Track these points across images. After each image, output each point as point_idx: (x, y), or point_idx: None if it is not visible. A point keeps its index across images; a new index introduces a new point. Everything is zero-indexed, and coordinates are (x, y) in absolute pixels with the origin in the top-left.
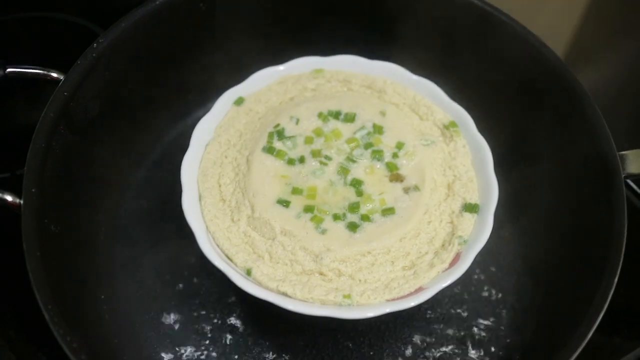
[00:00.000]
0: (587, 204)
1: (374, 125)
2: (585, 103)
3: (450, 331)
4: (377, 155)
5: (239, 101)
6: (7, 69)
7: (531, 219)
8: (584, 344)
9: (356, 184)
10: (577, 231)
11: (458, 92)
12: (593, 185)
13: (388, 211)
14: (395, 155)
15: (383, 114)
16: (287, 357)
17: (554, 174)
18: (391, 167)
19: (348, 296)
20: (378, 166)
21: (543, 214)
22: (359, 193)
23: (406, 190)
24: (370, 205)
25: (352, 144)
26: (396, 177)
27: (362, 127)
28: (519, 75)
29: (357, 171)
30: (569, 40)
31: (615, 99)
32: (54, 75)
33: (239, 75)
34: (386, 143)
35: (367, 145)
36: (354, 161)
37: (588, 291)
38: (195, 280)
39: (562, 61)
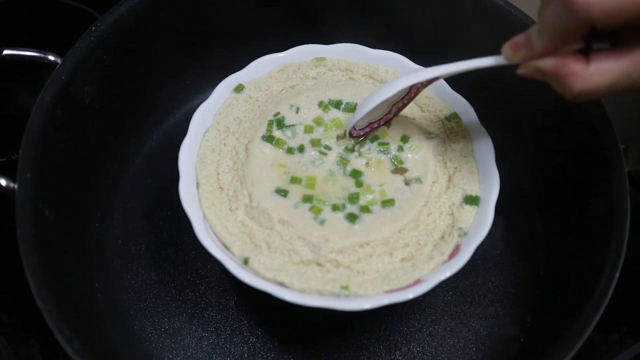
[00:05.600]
0: (589, 197)
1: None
2: None
3: (445, 324)
4: (384, 148)
5: (239, 88)
6: (3, 51)
7: (530, 210)
8: (582, 341)
9: (356, 174)
10: (577, 224)
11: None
12: (595, 178)
13: (388, 202)
14: (400, 149)
15: None
16: (283, 347)
17: (554, 165)
18: (397, 161)
19: (346, 287)
20: (382, 159)
21: (543, 205)
22: (359, 184)
23: (407, 182)
24: (370, 196)
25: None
26: (398, 169)
27: None
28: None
29: (357, 162)
30: None
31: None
32: (51, 58)
33: (240, 62)
34: (392, 136)
35: (373, 138)
36: (353, 151)
37: (588, 287)
38: (191, 268)
39: None
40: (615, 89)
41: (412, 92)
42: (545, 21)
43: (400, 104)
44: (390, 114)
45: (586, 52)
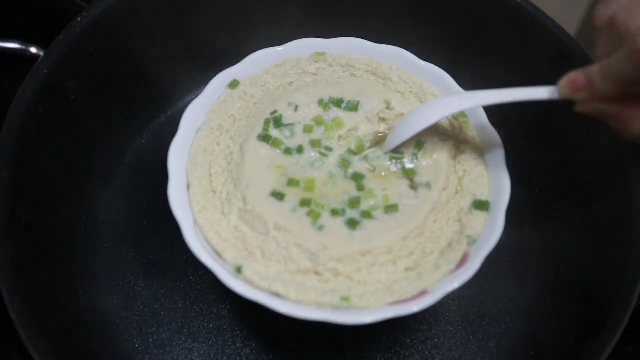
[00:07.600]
0: (607, 206)
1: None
2: None
3: (451, 335)
4: (398, 157)
5: (234, 84)
6: None
7: (543, 217)
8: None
9: (357, 177)
10: (594, 234)
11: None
12: (613, 186)
13: (391, 208)
14: (415, 157)
15: (388, 103)
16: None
17: (569, 171)
18: (409, 173)
19: (346, 298)
20: (393, 169)
21: (557, 213)
22: (360, 187)
23: (414, 187)
24: (372, 201)
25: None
26: (407, 174)
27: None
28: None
29: (360, 165)
30: (580, 22)
31: None
32: (33, 51)
33: (236, 56)
34: (406, 144)
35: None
36: (356, 154)
37: (605, 300)
38: (182, 275)
39: (580, 45)
40: None
41: None
42: (611, 69)
43: None
44: None
45: None
